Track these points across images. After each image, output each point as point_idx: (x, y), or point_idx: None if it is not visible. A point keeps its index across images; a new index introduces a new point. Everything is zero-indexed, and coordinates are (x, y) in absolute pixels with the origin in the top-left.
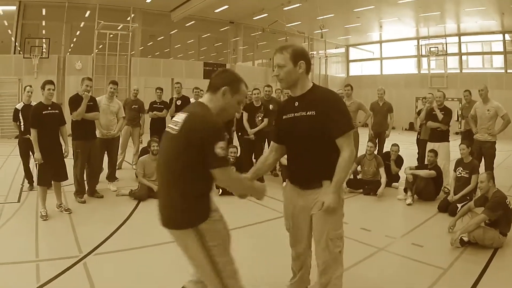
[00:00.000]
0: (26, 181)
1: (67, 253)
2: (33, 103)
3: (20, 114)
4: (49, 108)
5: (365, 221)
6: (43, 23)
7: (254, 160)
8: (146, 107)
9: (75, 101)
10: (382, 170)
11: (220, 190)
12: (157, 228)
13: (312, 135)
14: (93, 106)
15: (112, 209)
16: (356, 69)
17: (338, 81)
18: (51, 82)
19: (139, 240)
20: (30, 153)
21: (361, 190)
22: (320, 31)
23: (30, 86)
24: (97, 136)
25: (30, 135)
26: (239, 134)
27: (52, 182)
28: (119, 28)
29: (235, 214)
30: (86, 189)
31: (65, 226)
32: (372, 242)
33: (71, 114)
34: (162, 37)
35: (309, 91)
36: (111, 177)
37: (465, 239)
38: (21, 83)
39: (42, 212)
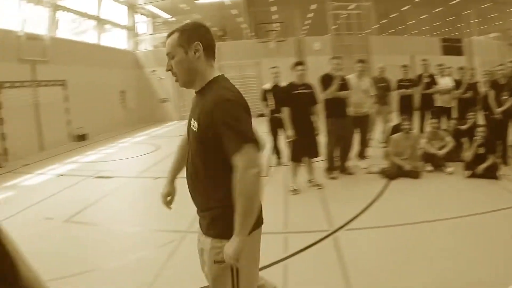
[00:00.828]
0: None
1: (316, 227)
2: (282, 84)
3: (268, 94)
4: (302, 88)
5: None
6: (271, 9)
7: None
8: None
9: (326, 79)
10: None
11: None
12: (413, 207)
13: (196, 155)
14: (344, 84)
15: (362, 187)
16: None
17: None
18: (301, 63)
19: (394, 218)
20: (278, 130)
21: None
22: None
23: (276, 67)
24: (349, 114)
25: (279, 113)
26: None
27: (304, 158)
28: (350, 7)
29: None
30: (337, 166)
31: (315, 201)
32: None
33: (322, 92)
34: (396, 14)
35: (206, 85)
36: (362, 155)
37: None
38: (260, 66)
39: (293, 187)
